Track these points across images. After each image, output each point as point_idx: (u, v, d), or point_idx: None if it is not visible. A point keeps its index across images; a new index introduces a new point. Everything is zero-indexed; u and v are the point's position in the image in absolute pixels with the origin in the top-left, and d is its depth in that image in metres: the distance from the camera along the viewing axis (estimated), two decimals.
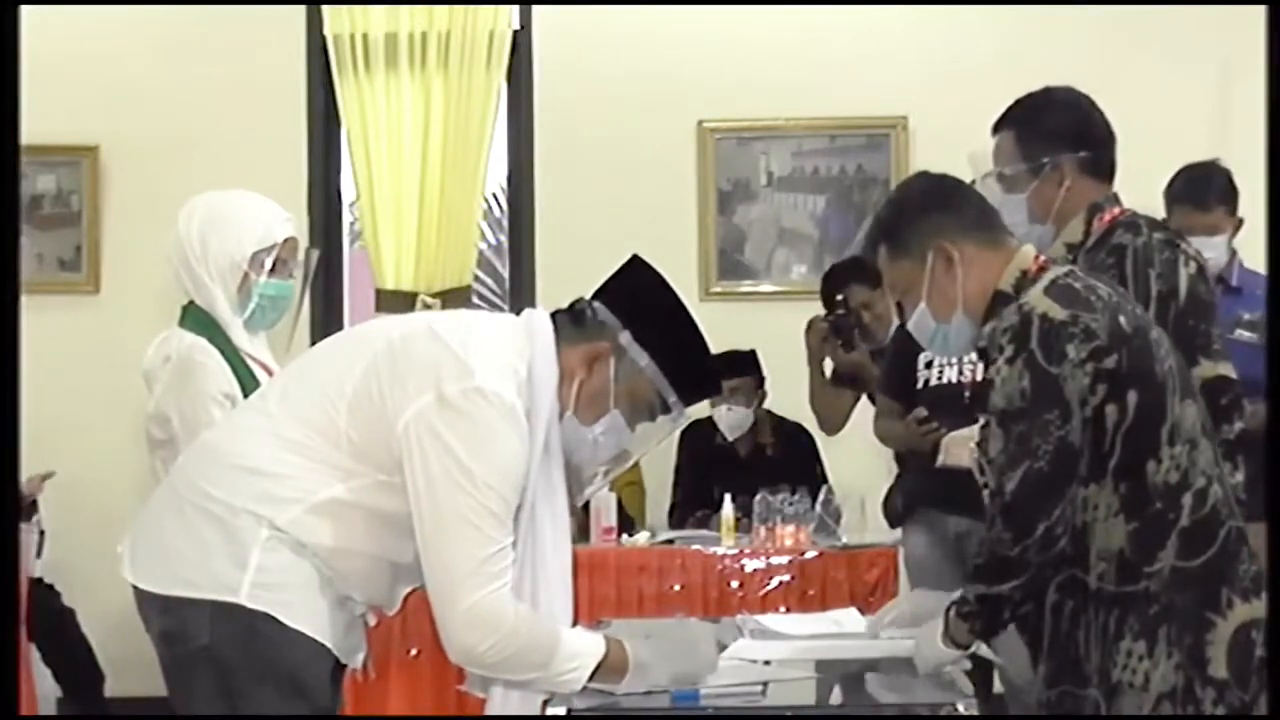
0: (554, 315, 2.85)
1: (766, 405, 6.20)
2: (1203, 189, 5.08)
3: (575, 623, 2.86)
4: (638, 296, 2.85)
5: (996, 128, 3.50)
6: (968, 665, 2.91)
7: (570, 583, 2.86)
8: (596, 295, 2.86)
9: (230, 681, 2.71)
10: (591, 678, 2.71)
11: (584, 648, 2.72)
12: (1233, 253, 5.14)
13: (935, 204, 2.88)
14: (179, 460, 2.91)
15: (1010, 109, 3.49)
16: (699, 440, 6.19)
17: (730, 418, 6.06)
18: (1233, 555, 2.71)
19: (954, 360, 4.73)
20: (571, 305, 2.86)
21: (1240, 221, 5.13)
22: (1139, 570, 2.67)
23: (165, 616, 2.75)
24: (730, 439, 6.11)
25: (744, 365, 6.07)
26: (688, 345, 2.84)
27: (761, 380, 6.13)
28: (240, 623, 2.68)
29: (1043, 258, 2.87)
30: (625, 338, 2.80)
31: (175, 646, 2.75)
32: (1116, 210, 3.38)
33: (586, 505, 5.78)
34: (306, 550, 2.72)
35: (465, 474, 2.63)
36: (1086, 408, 2.65)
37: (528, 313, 2.88)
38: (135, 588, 2.78)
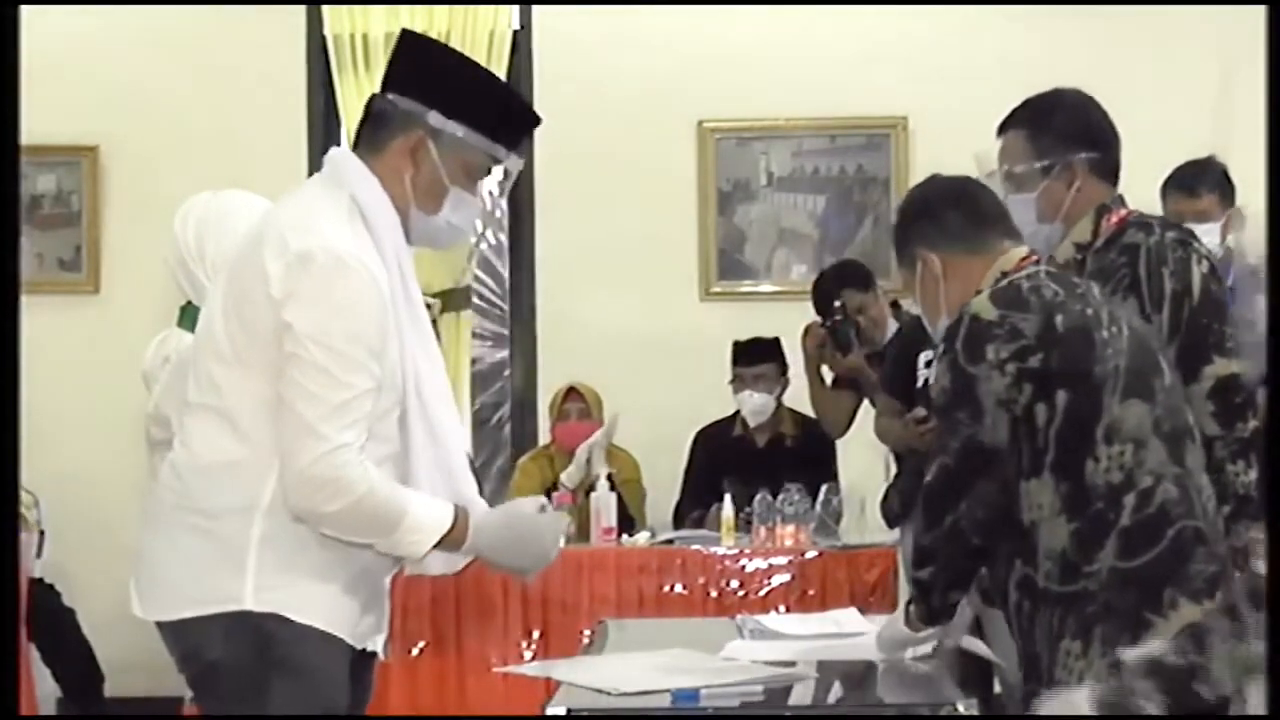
0: (357, 136, 2.85)
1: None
2: (1193, 176, 5.14)
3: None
4: (427, 72, 2.84)
5: (1004, 127, 3.51)
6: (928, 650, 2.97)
7: (458, 418, 2.89)
8: (386, 89, 2.85)
9: (249, 688, 2.69)
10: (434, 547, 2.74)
11: (429, 522, 2.72)
12: (1230, 253, 5.15)
13: (921, 213, 2.98)
14: (153, 487, 2.88)
15: (1019, 109, 3.51)
16: (715, 438, 6.25)
17: (753, 402, 6.09)
18: (1182, 556, 2.71)
19: None
20: (367, 112, 2.86)
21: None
22: (1079, 570, 2.71)
23: (179, 640, 2.75)
24: (752, 424, 6.14)
25: (767, 352, 6.11)
26: (492, 96, 2.86)
27: (785, 369, 6.16)
28: (250, 628, 2.68)
29: (1030, 258, 2.91)
30: (434, 117, 2.79)
31: (193, 665, 2.76)
32: (1124, 211, 3.39)
33: (587, 505, 5.80)
34: (301, 528, 2.70)
35: (317, 325, 2.62)
36: (1016, 406, 2.72)
37: (328, 157, 2.87)
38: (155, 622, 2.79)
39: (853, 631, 3.26)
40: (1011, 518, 2.75)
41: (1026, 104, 3.51)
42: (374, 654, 2.88)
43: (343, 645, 2.76)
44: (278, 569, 2.69)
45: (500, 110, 2.86)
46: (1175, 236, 3.29)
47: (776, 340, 6.15)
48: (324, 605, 2.72)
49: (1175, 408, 2.84)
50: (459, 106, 2.80)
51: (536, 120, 2.93)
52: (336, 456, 2.62)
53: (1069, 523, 2.71)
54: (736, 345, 6.17)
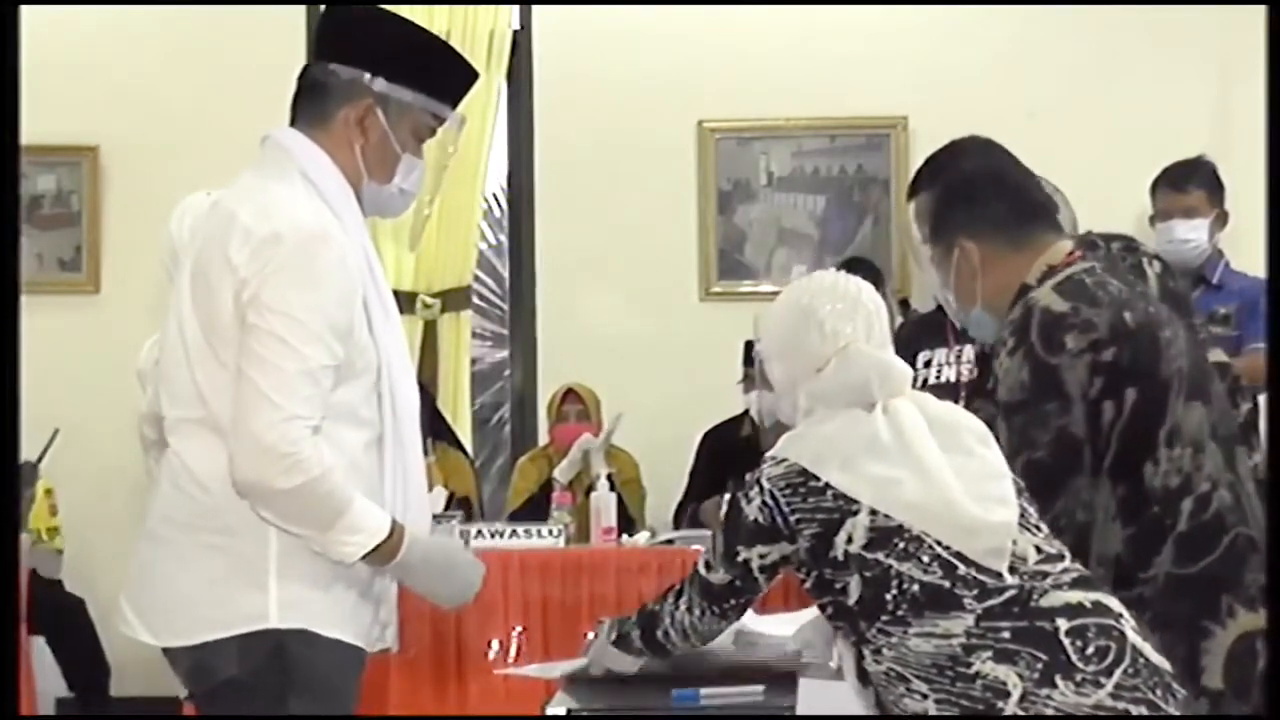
0: (296, 111, 2.79)
1: None
2: (1182, 172, 5.17)
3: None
4: (366, 37, 2.76)
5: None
6: None
7: (417, 396, 2.80)
8: (325, 58, 2.78)
9: (265, 706, 2.63)
10: (364, 556, 2.63)
11: (368, 524, 2.61)
12: (1219, 253, 5.18)
13: (965, 199, 2.90)
14: (153, 508, 2.75)
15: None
16: (722, 438, 6.26)
17: (761, 402, 6.11)
18: (1238, 562, 2.68)
19: (953, 359, 4.73)
20: (301, 85, 2.80)
21: (1225, 215, 5.18)
22: (1134, 575, 2.65)
23: (193, 661, 2.67)
24: (761, 423, 6.15)
25: None
26: (432, 55, 2.80)
27: None
28: (270, 645, 2.61)
29: (1076, 253, 2.84)
30: (380, 84, 2.73)
31: (203, 682, 2.68)
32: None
33: (587, 505, 5.80)
34: None
35: (278, 295, 2.56)
36: (1085, 400, 2.64)
37: (272, 139, 2.79)
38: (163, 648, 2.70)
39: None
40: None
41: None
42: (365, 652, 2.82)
43: (361, 655, 2.72)
44: (300, 582, 2.63)
45: (442, 68, 2.80)
46: (1121, 245, 3.26)
47: None
48: (346, 615, 2.67)
49: (1226, 413, 2.81)
50: (403, 70, 2.74)
51: (475, 74, 2.85)
52: (290, 428, 2.53)
53: (1124, 528, 2.66)
54: (749, 345, 6.17)
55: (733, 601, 2.66)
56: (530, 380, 7.02)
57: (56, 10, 6.61)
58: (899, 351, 5.30)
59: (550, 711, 2.76)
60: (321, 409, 2.58)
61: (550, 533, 5.58)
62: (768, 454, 2.62)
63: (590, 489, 5.84)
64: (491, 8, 6.86)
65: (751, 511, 2.56)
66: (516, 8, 6.94)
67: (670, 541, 5.70)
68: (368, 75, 2.73)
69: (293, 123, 2.79)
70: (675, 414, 6.52)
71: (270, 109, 7.76)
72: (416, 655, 5.33)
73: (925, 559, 2.44)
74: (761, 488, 2.56)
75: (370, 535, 2.61)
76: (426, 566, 2.70)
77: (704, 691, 2.80)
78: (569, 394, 6.33)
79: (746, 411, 6.22)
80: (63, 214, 6.96)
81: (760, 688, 2.88)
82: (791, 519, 2.52)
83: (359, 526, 2.61)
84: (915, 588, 2.43)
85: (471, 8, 6.84)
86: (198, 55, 6.86)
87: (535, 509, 6.04)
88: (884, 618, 2.45)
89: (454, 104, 2.82)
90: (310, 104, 2.77)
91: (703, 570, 2.66)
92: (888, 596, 2.45)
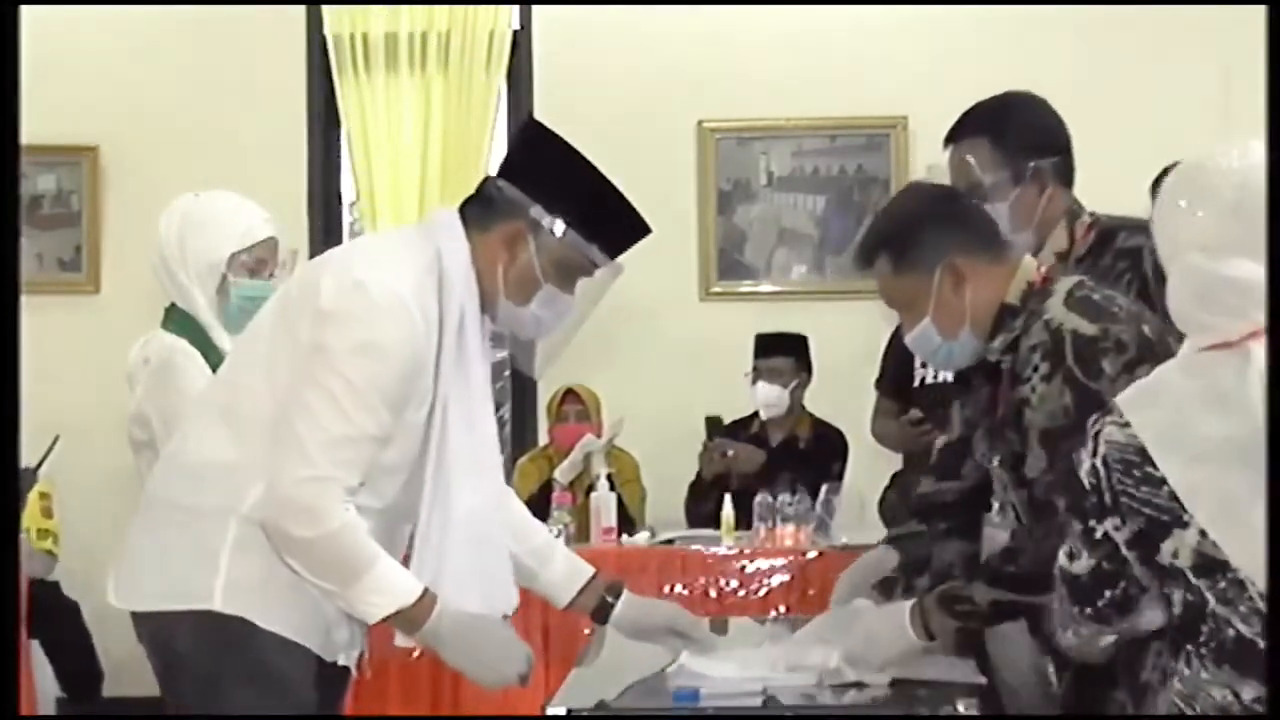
0: (464, 206, 2.83)
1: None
2: None
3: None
4: (539, 165, 2.83)
5: (957, 135, 3.37)
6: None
7: (498, 483, 2.86)
8: (502, 173, 2.83)
9: (210, 687, 2.70)
10: (389, 619, 2.66)
11: (391, 588, 2.64)
12: None
13: (942, 220, 2.83)
14: (147, 481, 2.89)
15: (971, 115, 3.37)
16: (732, 437, 6.26)
17: (766, 394, 6.12)
18: None
19: None
20: (479, 189, 2.84)
21: None
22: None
23: (149, 629, 2.77)
24: (765, 416, 6.16)
25: (784, 346, 6.12)
26: (598, 201, 2.83)
27: (806, 366, 6.17)
28: (215, 628, 2.68)
29: (1044, 268, 2.86)
30: (536, 211, 2.77)
31: (161, 656, 2.77)
32: (1089, 217, 3.35)
33: (587, 505, 5.80)
34: None
35: (344, 356, 2.61)
36: None
37: (432, 213, 2.88)
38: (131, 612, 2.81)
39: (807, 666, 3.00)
40: None
41: (979, 109, 3.39)
42: (347, 669, 2.86)
43: (308, 654, 2.75)
44: (250, 573, 2.68)
45: (605, 214, 2.83)
46: (1145, 235, 3.28)
47: (799, 337, 6.16)
48: (293, 614, 2.71)
49: None
50: (564, 207, 2.78)
51: (645, 229, 2.88)
52: (319, 486, 2.59)
53: None
54: (757, 338, 6.20)
55: (1108, 595, 2.18)
56: (530, 380, 7.02)
57: (56, 10, 6.61)
58: (899, 352, 5.37)
59: (550, 711, 2.76)
60: (361, 474, 2.64)
61: (550, 533, 5.58)
62: (1119, 397, 2.20)
63: (590, 489, 5.85)
64: (491, 8, 6.87)
65: (1085, 476, 2.15)
66: (516, 8, 6.95)
67: (670, 541, 5.70)
68: (527, 200, 2.77)
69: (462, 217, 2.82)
70: (675, 414, 6.52)
71: (270, 109, 7.78)
72: (417, 656, 5.33)
73: (1243, 609, 2.08)
74: (1095, 449, 2.15)
75: (395, 598, 2.64)
76: (457, 640, 2.71)
77: (704, 691, 2.79)
78: (569, 394, 6.34)
79: (757, 413, 6.23)
80: (63, 214, 6.96)
81: (760, 687, 2.87)
82: (1121, 500, 2.13)
83: (383, 588, 2.64)
84: (1230, 633, 2.11)
85: (471, 8, 6.85)
86: (198, 56, 6.87)
87: (535, 509, 6.01)
88: (1189, 648, 2.15)
89: (612, 254, 2.85)
90: (476, 209, 2.81)
91: (1064, 562, 2.21)
92: (1203, 629, 2.13)
